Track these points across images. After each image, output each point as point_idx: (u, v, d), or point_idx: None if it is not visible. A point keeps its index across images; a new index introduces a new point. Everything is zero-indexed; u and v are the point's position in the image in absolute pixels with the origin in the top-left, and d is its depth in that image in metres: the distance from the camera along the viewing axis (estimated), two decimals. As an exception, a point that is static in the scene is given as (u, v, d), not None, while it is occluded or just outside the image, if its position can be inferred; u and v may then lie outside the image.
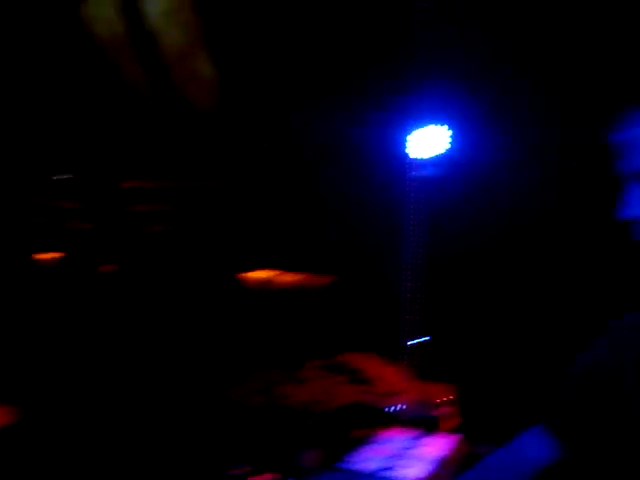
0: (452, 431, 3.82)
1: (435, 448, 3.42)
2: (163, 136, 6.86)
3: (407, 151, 5.64)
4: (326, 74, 5.92)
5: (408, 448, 3.43)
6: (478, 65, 4.87)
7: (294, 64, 5.89)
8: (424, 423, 3.68)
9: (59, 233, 8.43)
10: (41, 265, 8.75)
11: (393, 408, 4.04)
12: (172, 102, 6.72)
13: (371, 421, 3.84)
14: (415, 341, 5.01)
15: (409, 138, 5.58)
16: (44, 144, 7.04)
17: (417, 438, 3.56)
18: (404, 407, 3.99)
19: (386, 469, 3.17)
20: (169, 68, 6.50)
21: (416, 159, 5.68)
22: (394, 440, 3.55)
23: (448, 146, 5.45)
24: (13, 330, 7.42)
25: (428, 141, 5.53)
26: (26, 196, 7.98)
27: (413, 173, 5.79)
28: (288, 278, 7.98)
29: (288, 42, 5.74)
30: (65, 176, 7.34)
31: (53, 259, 8.80)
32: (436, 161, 5.61)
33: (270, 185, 7.07)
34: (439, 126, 5.38)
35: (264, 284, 8.06)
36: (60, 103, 6.63)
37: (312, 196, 6.95)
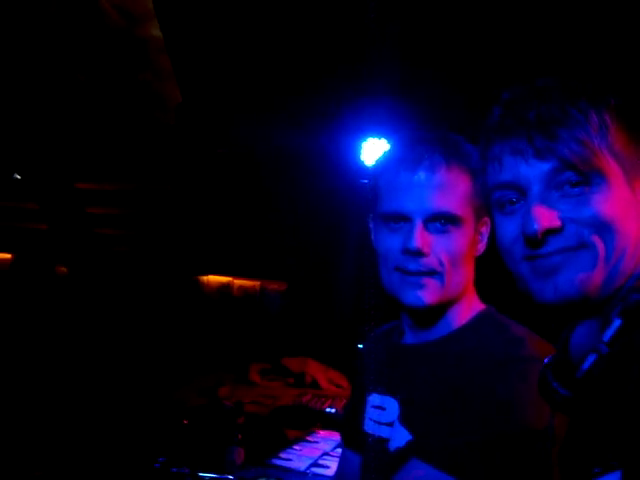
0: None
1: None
2: (119, 138, 6.89)
3: (360, 158, 5.74)
4: (281, 83, 6.00)
5: (339, 448, 3.51)
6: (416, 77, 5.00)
7: (247, 73, 5.97)
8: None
9: (12, 233, 8.39)
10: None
11: (330, 410, 4.13)
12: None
13: (308, 422, 3.92)
14: (359, 346, 5.07)
15: (363, 146, 5.67)
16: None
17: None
18: (340, 410, 4.08)
19: (316, 467, 3.26)
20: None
21: (368, 167, 5.78)
22: (327, 440, 3.64)
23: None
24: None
25: (381, 149, 5.62)
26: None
27: (364, 181, 5.88)
28: (244, 283, 8.05)
29: (241, 51, 5.82)
30: (18, 176, 7.30)
31: (5, 260, 8.74)
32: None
33: (224, 190, 7.13)
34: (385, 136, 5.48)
35: (220, 288, 8.12)
36: (15, 103, 6.62)
37: (265, 203, 7.02)
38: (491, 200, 1.20)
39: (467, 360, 1.56)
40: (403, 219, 1.64)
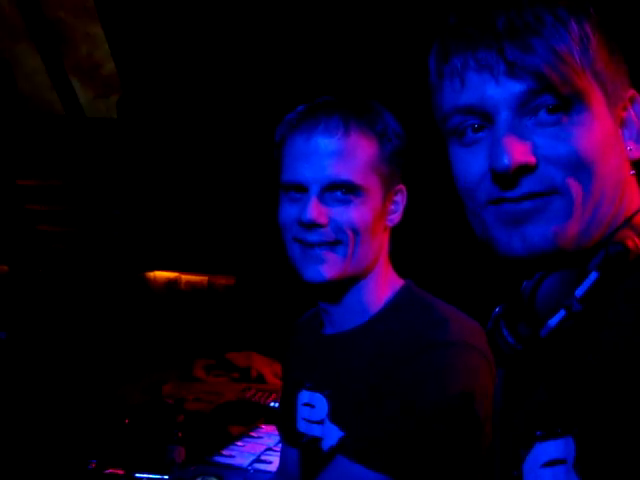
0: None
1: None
2: (56, 134, 6.80)
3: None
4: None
5: (282, 442, 3.48)
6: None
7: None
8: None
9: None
10: None
11: (276, 404, 4.09)
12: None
13: (252, 417, 3.87)
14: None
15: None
16: None
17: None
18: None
19: (258, 462, 3.22)
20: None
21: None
22: (271, 435, 3.60)
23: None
24: None
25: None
26: None
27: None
28: (191, 278, 7.96)
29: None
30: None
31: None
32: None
33: (168, 183, 7.04)
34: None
35: (168, 283, 8.02)
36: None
37: (210, 196, 6.95)
38: (447, 126, 1.00)
39: (389, 348, 1.51)
40: (301, 189, 1.57)
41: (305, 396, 1.77)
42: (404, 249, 1.68)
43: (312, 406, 1.72)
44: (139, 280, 7.87)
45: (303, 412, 1.78)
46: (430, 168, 2.46)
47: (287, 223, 1.61)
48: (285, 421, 1.95)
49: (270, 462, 3.24)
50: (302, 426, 1.79)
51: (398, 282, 1.68)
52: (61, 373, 4.91)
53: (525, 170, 0.90)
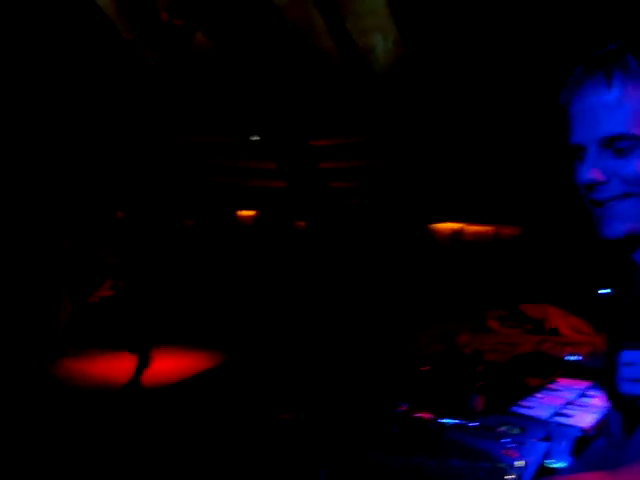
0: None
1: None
2: (348, 96, 7.07)
3: None
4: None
5: (583, 397, 3.42)
6: None
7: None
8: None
9: (254, 192, 8.96)
10: (241, 222, 9.38)
11: (572, 358, 4.02)
12: (356, 65, 6.91)
13: (549, 370, 3.84)
14: (601, 291, 4.88)
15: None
16: (237, 108, 7.49)
17: (593, 388, 3.53)
18: (583, 357, 3.95)
19: (559, 416, 3.20)
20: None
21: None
22: (570, 389, 3.55)
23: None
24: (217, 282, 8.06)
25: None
26: (226, 158, 8.55)
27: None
28: (476, 229, 7.98)
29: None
30: (257, 137, 7.76)
31: (249, 217, 9.40)
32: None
33: (449, 138, 7.06)
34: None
35: (453, 235, 8.11)
36: (260, 72, 7.02)
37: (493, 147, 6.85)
38: None
39: None
40: (580, 149, 1.55)
41: (626, 355, 1.73)
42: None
43: (632, 364, 1.68)
44: (424, 232, 8.05)
45: (624, 372, 1.74)
46: None
47: (579, 184, 1.62)
48: (607, 383, 1.92)
49: (571, 416, 3.21)
50: (624, 387, 1.75)
51: None
52: (360, 323, 5.24)
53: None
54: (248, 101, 7.42)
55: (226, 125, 7.74)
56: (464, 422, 2.80)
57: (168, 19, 6.44)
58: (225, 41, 6.73)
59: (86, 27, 6.49)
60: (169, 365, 5.89)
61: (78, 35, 6.58)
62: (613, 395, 1.85)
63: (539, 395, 3.44)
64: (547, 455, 2.62)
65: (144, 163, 8.77)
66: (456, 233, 8.11)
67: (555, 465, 2.58)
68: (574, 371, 3.85)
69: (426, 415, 2.62)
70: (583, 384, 3.66)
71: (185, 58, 6.83)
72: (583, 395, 3.50)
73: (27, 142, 7.63)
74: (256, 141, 7.93)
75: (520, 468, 2.45)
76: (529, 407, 3.27)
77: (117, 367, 5.88)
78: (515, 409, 3.20)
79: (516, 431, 2.84)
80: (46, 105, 7.34)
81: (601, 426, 2.87)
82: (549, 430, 2.92)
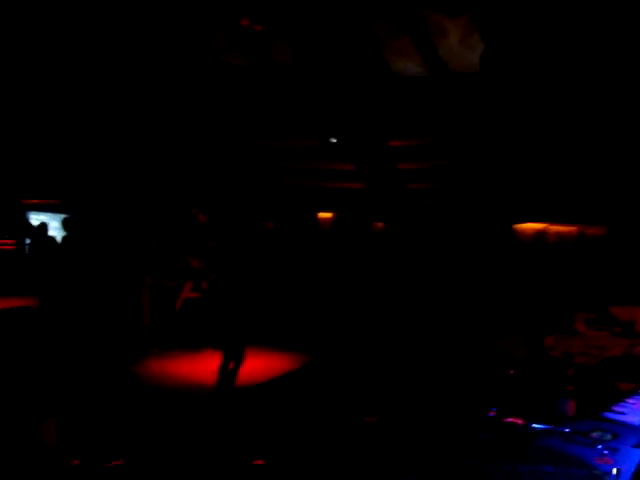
0: None
1: None
2: (427, 96, 7.05)
3: None
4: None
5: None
6: None
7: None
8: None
9: (332, 194, 8.99)
10: (320, 224, 9.43)
11: (666, 362, 3.89)
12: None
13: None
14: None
15: None
16: (316, 111, 7.54)
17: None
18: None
19: (654, 423, 3.11)
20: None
21: None
22: (664, 395, 3.45)
23: None
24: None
25: None
26: (301, 161, 8.60)
27: None
28: (560, 229, 7.82)
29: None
30: (335, 140, 7.77)
31: (327, 219, 9.42)
32: None
33: (531, 137, 6.92)
34: None
35: (536, 235, 7.97)
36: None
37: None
38: None
39: None
40: None
41: None
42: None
43: None
44: (507, 232, 7.92)
45: None
46: None
47: None
48: None
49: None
50: None
51: None
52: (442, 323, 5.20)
53: None
54: (327, 104, 7.46)
55: (305, 128, 7.79)
56: (555, 427, 2.76)
57: (249, 25, 6.54)
58: (305, 46, 6.79)
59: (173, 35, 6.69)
60: (256, 365, 5.96)
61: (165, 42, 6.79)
62: None
63: (631, 400, 3.35)
64: (641, 463, 2.56)
65: (225, 168, 8.93)
66: (539, 233, 7.96)
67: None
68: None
69: (516, 420, 2.59)
70: None
71: (266, 63, 6.93)
72: (678, 401, 3.39)
73: (116, 150, 7.90)
74: (334, 143, 7.95)
75: (614, 476, 2.40)
76: (621, 412, 3.19)
77: (200, 368, 6.01)
78: (606, 414, 3.13)
79: (608, 437, 2.77)
80: (134, 113, 7.56)
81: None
82: (643, 437, 2.85)
